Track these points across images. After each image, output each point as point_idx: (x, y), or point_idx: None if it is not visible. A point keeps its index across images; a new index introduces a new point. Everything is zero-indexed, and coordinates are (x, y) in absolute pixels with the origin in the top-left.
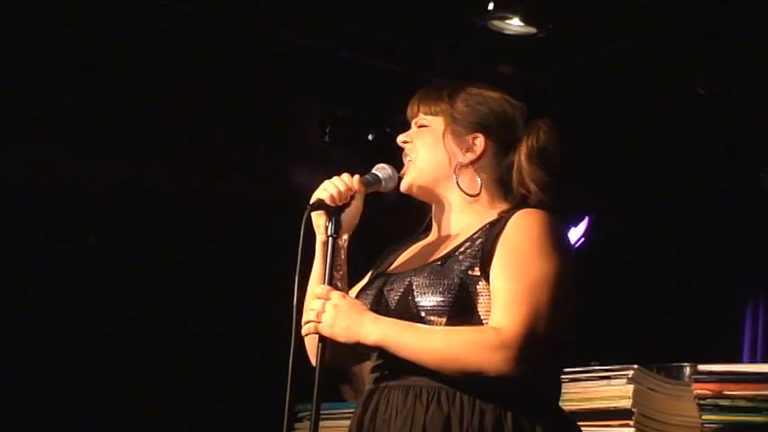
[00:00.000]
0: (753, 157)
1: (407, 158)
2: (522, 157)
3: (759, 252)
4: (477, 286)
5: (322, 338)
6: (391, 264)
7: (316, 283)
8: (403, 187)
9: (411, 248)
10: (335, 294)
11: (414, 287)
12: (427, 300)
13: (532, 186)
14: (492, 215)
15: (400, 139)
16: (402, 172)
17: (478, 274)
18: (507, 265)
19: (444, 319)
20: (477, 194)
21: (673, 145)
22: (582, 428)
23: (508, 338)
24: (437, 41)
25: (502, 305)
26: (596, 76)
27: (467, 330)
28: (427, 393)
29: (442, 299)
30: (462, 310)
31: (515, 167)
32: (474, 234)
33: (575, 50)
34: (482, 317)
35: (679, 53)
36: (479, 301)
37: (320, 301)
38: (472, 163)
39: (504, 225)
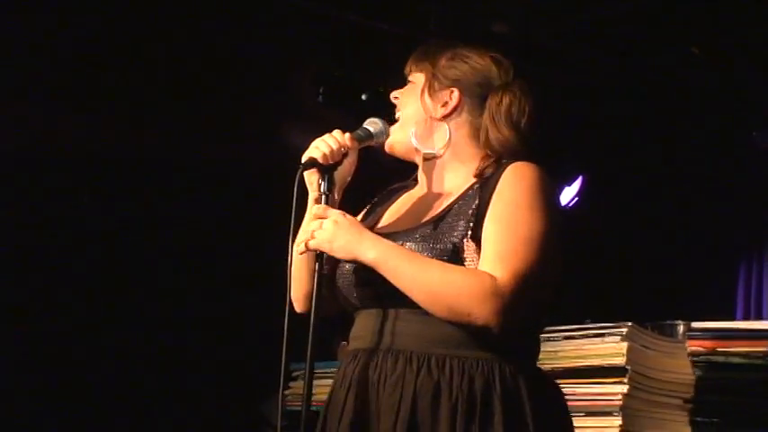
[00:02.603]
0: (746, 115)
1: (397, 114)
2: (485, 116)
3: (752, 211)
4: (470, 251)
5: (318, 258)
6: (379, 218)
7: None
8: (386, 147)
9: (399, 203)
10: (335, 212)
11: None
12: None
13: (494, 146)
14: (472, 170)
15: (393, 94)
16: (390, 129)
17: (470, 238)
18: (500, 218)
19: None
20: (441, 151)
21: (666, 104)
22: (575, 386)
23: (502, 288)
24: (431, 1)
25: (494, 255)
26: (592, 35)
27: (463, 272)
28: (417, 359)
29: None
30: None
31: (488, 125)
32: (463, 194)
33: (570, 9)
34: None
35: (674, 13)
36: (470, 266)
37: (318, 221)
38: (446, 117)
39: (496, 183)
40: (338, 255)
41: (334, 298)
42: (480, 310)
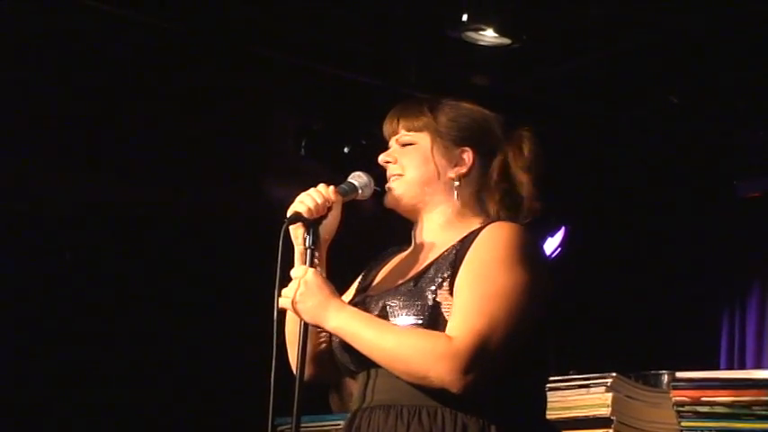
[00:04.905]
0: (727, 165)
1: (393, 177)
2: (513, 168)
3: (735, 259)
4: (448, 305)
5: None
6: (372, 281)
7: None
8: (389, 202)
9: (390, 264)
10: (310, 271)
11: (388, 309)
12: (402, 321)
13: (524, 195)
14: (465, 231)
15: (382, 158)
16: (387, 186)
17: (448, 291)
18: (469, 275)
19: None
20: (450, 209)
21: (648, 154)
22: None
23: (457, 348)
24: (412, 53)
25: (458, 314)
26: (570, 86)
27: (420, 334)
28: (408, 412)
29: (415, 320)
30: (435, 329)
31: (498, 179)
32: (446, 251)
33: (549, 61)
34: None
35: (652, 62)
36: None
37: (296, 281)
38: (460, 177)
39: (474, 239)
40: (303, 317)
41: (335, 366)
42: (435, 371)
